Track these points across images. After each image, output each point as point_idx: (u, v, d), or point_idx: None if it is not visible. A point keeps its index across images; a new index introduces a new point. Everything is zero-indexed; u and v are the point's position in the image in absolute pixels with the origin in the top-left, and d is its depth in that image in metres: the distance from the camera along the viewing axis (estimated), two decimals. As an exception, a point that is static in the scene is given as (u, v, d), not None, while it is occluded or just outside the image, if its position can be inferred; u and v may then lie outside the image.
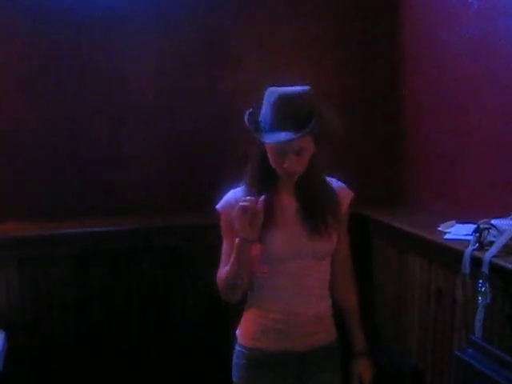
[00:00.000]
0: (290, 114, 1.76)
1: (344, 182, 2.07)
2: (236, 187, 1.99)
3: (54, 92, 2.98)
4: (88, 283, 2.86)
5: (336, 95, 3.28)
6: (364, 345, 2.12)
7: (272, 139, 1.77)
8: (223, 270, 1.92)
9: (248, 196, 1.84)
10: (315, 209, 1.93)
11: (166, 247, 2.91)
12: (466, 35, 2.61)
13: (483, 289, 2.01)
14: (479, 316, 2.03)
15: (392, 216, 2.89)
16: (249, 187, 1.92)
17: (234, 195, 1.95)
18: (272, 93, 1.81)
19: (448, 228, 2.44)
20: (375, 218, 2.97)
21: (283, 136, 1.74)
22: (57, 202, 3.02)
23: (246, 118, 1.84)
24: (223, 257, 1.96)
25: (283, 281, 1.92)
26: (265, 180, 1.89)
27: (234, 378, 2.02)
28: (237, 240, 1.83)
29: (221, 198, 1.98)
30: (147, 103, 3.10)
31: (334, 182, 2.03)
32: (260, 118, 1.82)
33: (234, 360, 2.02)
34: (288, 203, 1.93)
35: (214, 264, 2.02)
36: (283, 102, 1.77)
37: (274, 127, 1.76)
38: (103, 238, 2.87)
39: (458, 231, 2.37)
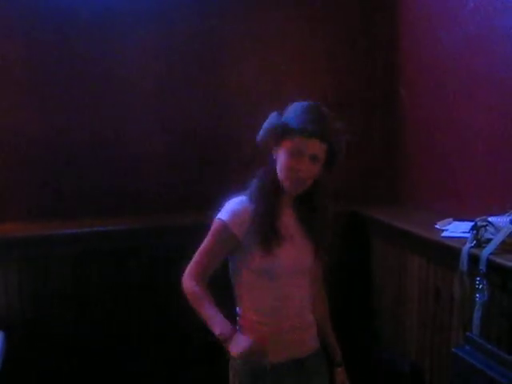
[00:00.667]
0: (319, 119, 1.85)
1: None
2: (236, 196, 1.95)
3: (53, 92, 2.98)
4: (87, 283, 2.86)
5: (336, 95, 3.28)
6: (340, 355, 2.15)
7: (305, 133, 1.82)
8: (198, 298, 1.90)
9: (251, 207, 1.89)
10: (317, 227, 1.97)
11: (166, 247, 2.91)
12: (464, 34, 2.61)
13: (480, 286, 2.02)
14: (477, 313, 2.03)
15: (390, 215, 2.90)
16: (255, 200, 1.91)
17: (241, 206, 1.91)
18: (300, 103, 1.89)
19: (445, 226, 2.44)
20: (374, 217, 2.98)
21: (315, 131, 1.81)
22: (56, 202, 3.02)
23: (273, 118, 1.88)
24: (202, 256, 1.93)
25: (281, 295, 1.93)
26: (271, 195, 1.91)
27: None
28: (227, 333, 1.82)
29: (223, 207, 1.92)
30: (148, 103, 3.11)
31: None
32: (284, 120, 1.87)
33: (233, 375, 1.99)
34: (290, 220, 1.95)
35: None
36: (315, 109, 1.87)
37: (303, 126, 1.82)
38: (103, 238, 2.87)
39: (455, 229, 2.37)
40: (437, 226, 2.47)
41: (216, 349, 2.07)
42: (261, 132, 1.91)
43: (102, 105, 3.04)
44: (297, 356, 1.97)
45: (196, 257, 1.95)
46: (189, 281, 1.94)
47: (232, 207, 1.91)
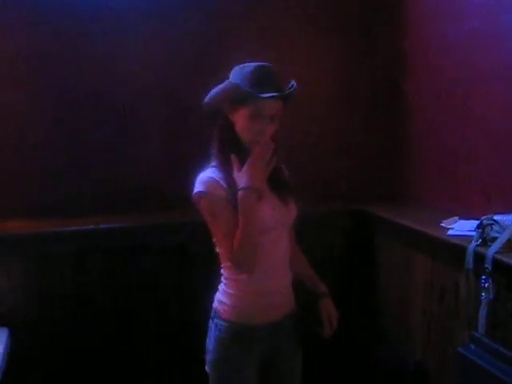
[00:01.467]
0: (272, 79, 1.87)
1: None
2: (204, 170, 1.95)
3: (55, 91, 2.96)
4: (90, 281, 2.85)
5: (339, 93, 3.26)
6: (324, 286, 2.14)
7: (267, 96, 1.82)
8: (236, 238, 1.84)
9: (222, 175, 1.89)
10: (281, 179, 2.02)
11: (168, 245, 2.89)
12: (469, 30, 2.59)
13: (486, 285, 2.01)
14: (482, 312, 2.01)
15: (396, 213, 2.88)
16: (221, 165, 1.92)
17: (212, 174, 1.90)
18: (245, 66, 1.90)
19: (451, 224, 2.42)
20: (379, 215, 2.96)
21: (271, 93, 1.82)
22: (60, 200, 2.98)
23: (226, 84, 1.88)
24: (228, 230, 1.85)
25: (268, 252, 1.92)
26: (236, 155, 1.91)
27: (214, 353, 1.99)
28: (242, 193, 1.82)
29: (196, 183, 1.91)
30: (150, 101, 3.06)
31: None
32: (238, 86, 1.86)
33: (216, 334, 1.98)
34: None
35: (215, 261, 2.03)
36: (263, 70, 1.88)
37: (259, 89, 1.83)
38: (105, 236, 2.86)
39: (460, 227, 2.35)
40: (442, 225, 2.45)
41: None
42: (212, 97, 1.91)
43: (103, 102, 3.01)
44: (274, 319, 1.99)
45: (222, 241, 1.90)
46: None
47: (205, 178, 1.90)
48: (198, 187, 1.90)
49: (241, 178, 1.85)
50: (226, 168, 1.90)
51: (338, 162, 3.27)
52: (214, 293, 2.06)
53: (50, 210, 2.96)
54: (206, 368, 2.03)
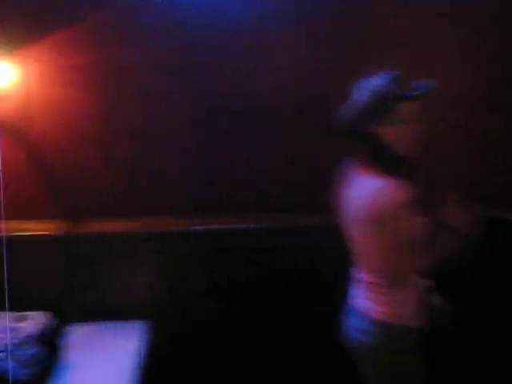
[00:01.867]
0: (408, 82, 1.94)
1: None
2: (371, 177, 1.96)
3: (201, 97, 3.01)
4: (221, 280, 2.93)
5: (479, 94, 3.06)
6: (431, 282, 2.17)
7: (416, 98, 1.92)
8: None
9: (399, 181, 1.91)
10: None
11: (304, 246, 2.92)
12: None
13: None
14: None
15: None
16: (391, 173, 1.94)
17: (394, 183, 1.91)
18: (378, 77, 1.95)
19: None
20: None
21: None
22: (202, 200, 3.06)
23: (373, 96, 1.92)
24: (410, 239, 1.94)
25: (424, 259, 2.01)
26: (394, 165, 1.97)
27: (396, 363, 2.00)
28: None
29: (383, 192, 1.91)
30: (289, 110, 3.04)
31: None
32: (392, 90, 1.92)
33: (393, 345, 1.99)
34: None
35: (341, 264, 2.13)
36: (403, 76, 1.95)
37: (413, 92, 1.91)
38: (236, 235, 2.93)
39: None
40: None
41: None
42: (357, 112, 1.94)
43: (241, 107, 3.01)
44: (422, 323, 2.05)
45: (400, 251, 1.95)
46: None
47: (394, 186, 1.90)
48: (388, 195, 1.90)
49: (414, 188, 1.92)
50: (396, 178, 1.92)
51: (478, 168, 3.08)
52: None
53: (195, 208, 3.02)
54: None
